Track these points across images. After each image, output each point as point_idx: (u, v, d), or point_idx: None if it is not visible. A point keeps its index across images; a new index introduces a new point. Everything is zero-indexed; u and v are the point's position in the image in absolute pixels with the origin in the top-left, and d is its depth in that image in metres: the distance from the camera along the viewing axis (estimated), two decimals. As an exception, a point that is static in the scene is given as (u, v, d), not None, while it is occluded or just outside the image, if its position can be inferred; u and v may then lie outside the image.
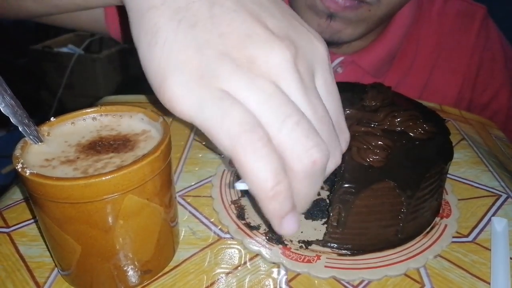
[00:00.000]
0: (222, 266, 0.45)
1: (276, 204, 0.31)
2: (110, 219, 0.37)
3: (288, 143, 0.29)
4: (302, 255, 0.45)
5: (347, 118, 0.53)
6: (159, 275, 0.44)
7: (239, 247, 0.48)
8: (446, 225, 0.50)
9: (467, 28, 0.86)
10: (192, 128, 0.72)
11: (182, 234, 0.49)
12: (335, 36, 0.74)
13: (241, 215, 0.51)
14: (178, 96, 0.30)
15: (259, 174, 0.29)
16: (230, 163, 0.61)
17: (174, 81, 0.30)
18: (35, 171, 0.35)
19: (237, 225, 0.49)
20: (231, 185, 0.54)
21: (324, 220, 0.51)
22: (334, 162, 0.33)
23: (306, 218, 0.52)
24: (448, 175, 0.54)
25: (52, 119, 0.43)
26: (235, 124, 0.28)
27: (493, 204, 0.55)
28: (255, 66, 0.29)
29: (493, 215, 0.53)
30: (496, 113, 0.89)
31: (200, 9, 0.30)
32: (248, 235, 0.48)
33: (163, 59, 0.30)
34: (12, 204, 0.54)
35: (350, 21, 0.71)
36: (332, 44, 0.77)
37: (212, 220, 0.52)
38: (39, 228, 0.49)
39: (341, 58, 0.83)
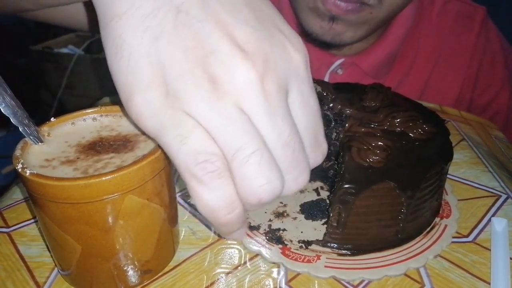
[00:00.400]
0: (222, 266, 0.45)
1: (227, 228, 0.32)
2: (110, 219, 0.37)
3: (238, 176, 0.29)
4: (302, 255, 0.45)
5: (350, 118, 0.53)
6: (159, 275, 0.44)
7: (239, 247, 0.48)
8: (446, 225, 0.50)
9: (467, 29, 0.86)
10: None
11: (182, 234, 0.49)
12: (337, 38, 0.74)
13: (241, 215, 0.51)
14: (142, 115, 0.30)
15: (211, 204, 0.29)
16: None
17: (139, 100, 0.29)
18: (35, 171, 0.35)
19: (237, 225, 0.49)
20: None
21: (324, 220, 0.51)
22: (297, 185, 0.32)
23: (306, 218, 0.52)
24: (448, 176, 0.54)
25: (52, 119, 0.43)
26: (191, 153, 0.28)
27: (493, 204, 0.55)
28: (218, 86, 0.28)
29: (493, 215, 0.53)
30: (496, 114, 0.90)
31: (166, 17, 0.28)
32: (248, 235, 0.48)
33: (129, 74, 0.29)
34: (12, 204, 0.54)
35: (352, 23, 0.71)
36: (333, 46, 0.77)
37: (212, 220, 0.52)
38: (39, 228, 0.49)
39: (341, 60, 0.83)
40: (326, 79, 0.85)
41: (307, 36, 0.76)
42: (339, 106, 0.54)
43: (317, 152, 0.34)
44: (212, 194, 0.29)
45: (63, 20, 0.73)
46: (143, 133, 0.43)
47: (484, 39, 0.86)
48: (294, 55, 0.31)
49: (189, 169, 0.29)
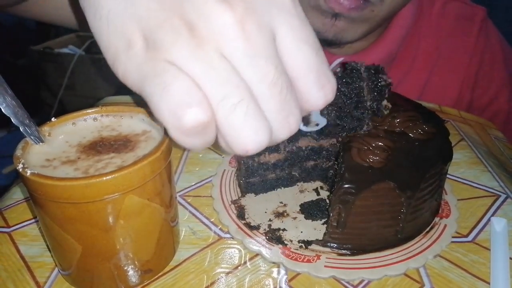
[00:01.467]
0: (222, 266, 0.45)
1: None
2: (110, 219, 0.37)
3: (224, 126, 0.28)
4: (302, 255, 0.46)
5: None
6: (159, 274, 0.44)
7: (239, 247, 0.48)
8: (445, 225, 0.50)
9: (466, 30, 0.86)
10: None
11: (182, 234, 0.49)
12: (339, 35, 0.74)
13: (241, 215, 0.51)
14: (127, 71, 0.29)
15: (192, 146, 0.30)
16: (230, 162, 0.61)
17: (122, 58, 0.29)
18: (36, 171, 0.35)
19: (237, 225, 0.49)
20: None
21: (324, 220, 0.51)
22: (288, 126, 0.31)
23: (306, 218, 0.52)
24: (447, 176, 0.54)
25: (53, 119, 0.43)
26: (174, 102, 0.27)
27: (492, 204, 0.55)
28: (196, 33, 0.27)
29: (492, 215, 0.53)
30: (496, 114, 0.90)
31: None
32: (248, 235, 0.48)
33: (111, 34, 0.29)
34: (13, 204, 0.54)
35: (354, 20, 0.72)
36: (335, 44, 0.77)
37: (212, 220, 0.52)
38: (39, 228, 0.49)
39: (341, 59, 0.83)
40: None
41: None
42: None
43: (326, 88, 0.32)
44: (195, 141, 0.29)
45: (50, 14, 0.73)
46: (144, 133, 0.43)
47: (484, 40, 0.86)
48: None
49: (172, 120, 0.27)
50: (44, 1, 0.69)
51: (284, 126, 0.31)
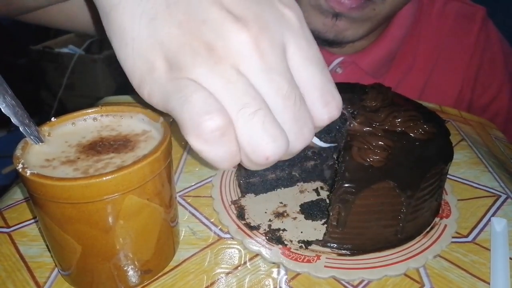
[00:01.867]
0: (222, 266, 0.45)
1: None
2: (110, 219, 0.37)
3: (243, 135, 0.30)
4: (302, 255, 0.45)
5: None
6: (159, 275, 0.44)
7: (239, 247, 0.48)
8: (445, 225, 0.50)
9: (467, 29, 0.86)
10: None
11: (182, 234, 0.49)
12: (339, 35, 0.74)
13: (241, 215, 0.51)
14: (152, 93, 0.32)
15: (215, 158, 0.31)
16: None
17: (148, 80, 0.31)
18: (35, 171, 0.35)
19: (237, 225, 0.49)
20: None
21: (324, 220, 0.51)
22: (303, 137, 0.33)
23: (306, 218, 0.52)
24: (448, 176, 0.54)
25: (52, 119, 0.43)
26: (194, 110, 0.29)
27: (493, 204, 0.55)
28: (214, 52, 0.29)
29: (493, 215, 0.53)
30: (497, 114, 0.90)
31: None
32: (248, 235, 0.48)
33: (136, 59, 0.32)
34: (13, 204, 0.54)
35: (355, 20, 0.72)
36: (336, 43, 0.77)
37: (212, 220, 0.52)
38: (39, 228, 0.49)
39: (340, 59, 0.83)
40: None
41: None
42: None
43: (331, 105, 0.34)
44: (215, 151, 0.30)
45: (64, 21, 0.73)
46: (144, 133, 0.43)
47: (484, 40, 0.86)
48: (285, 12, 0.32)
49: (193, 128, 0.29)
50: (56, 10, 0.70)
51: (299, 137, 0.32)
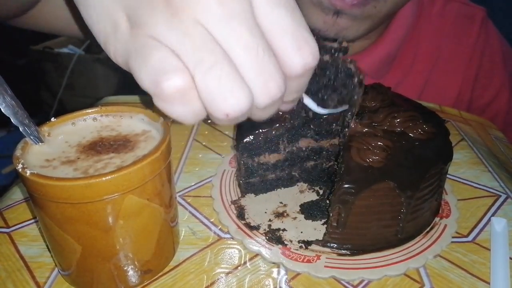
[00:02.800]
0: (222, 266, 0.45)
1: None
2: (110, 219, 0.37)
3: (201, 92, 0.29)
4: (302, 255, 0.45)
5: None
6: (159, 275, 0.44)
7: (239, 247, 0.48)
8: (445, 225, 0.50)
9: (466, 30, 0.86)
10: (192, 128, 0.72)
11: (182, 234, 0.49)
12: (340, 33, 0.73)
13: (241, 215, 0.51)
14: (116, 51, 0.32)
15: (179, 116, 0.30)
16: (230, 162, 0.61)
17: (112, 40, 0.31)
18: (35, 172, 0.35)
19: (237, 225, 0.49)
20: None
21: (324, 220, 0.51)
22: (268, 92, 0.30)
23: (306, 218, 0.52)
24: (447, 176, 0.54)
25: (52, 119, 0.43)
26: (152, 72, 0.28)
27: (493, 204, 0.55)
28: (172, 3, 0.28)
29: (493, 215, 0.53)
30: (496, 115, 0.90)
31: None
32: (248, 235, 0.48)
33: (100, 19, 0.32)
34: (13, 204, 0.54)
35: (356, 18, 0.71)
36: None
37: (212, 220, 0.52)
38: (39, 228, 0.49)
39: None
40: None
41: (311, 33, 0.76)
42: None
43: (304, 51, 0.31)
44: (179, 109, 0.30)
45: (45, 24, 0.73)
46: (143, 133, 0.43)
47: (484, 40, 0.86)
48: None
49: (153, 88, 0.29)
50: (43, 13, 0.70)
51: (264, 92, 0.30)
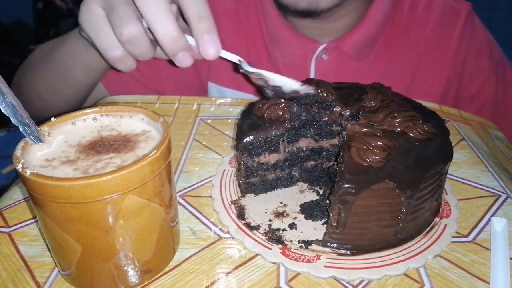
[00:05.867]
0: (222, 266, 0.45)
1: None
2: (110, 219, 0.37)
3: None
4: (302, 255, 0.45)
5: (348, 119, 0.53)
6: (159, 274, 0.44)
7: (239, 247, 0.48)
8: (445, 225, 0.50)
9: (452, 22, 0.90)
10: (192, 128, 0.72)
11: (182, 234, 0.49)
12: (313, 4, 0.75)
13: (241, 215, 0.51)
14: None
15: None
16: (230, 162, 0.61)
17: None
18: (35, 171, 0.35)
19: (237, 225, 0.49)
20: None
21: (324, 220, 0.51)
22: (160, 30, 0.49)
23: (306, 218, 0.52)
24: (447, 175, 0.54)
25: (52, 119, 0.43)
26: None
27: (493, 204, 0.55)
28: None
29: (493, 215, 0.53)
30: (484, 104, 0.92)
31: None
32: (248, 235, 0.48)
33: (97, 32, 0.54)
34: (13, 204, 0.54)
35: None
36: (311, 14, 0.78)
37: (212, 220, 0.52)
38: (39, 228, 0.49)
39: (324, 45, 0.85)
40: (312, 65, 0.87)
41: (284, 9, 0.80)
42: (339, 108, 0.54)
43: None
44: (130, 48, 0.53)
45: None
46: (143, 133, 0.43)
47: (470, 31, 0.90)
48: None
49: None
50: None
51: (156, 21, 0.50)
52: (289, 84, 0.52)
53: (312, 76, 0.87)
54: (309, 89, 0.53)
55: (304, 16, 0.79)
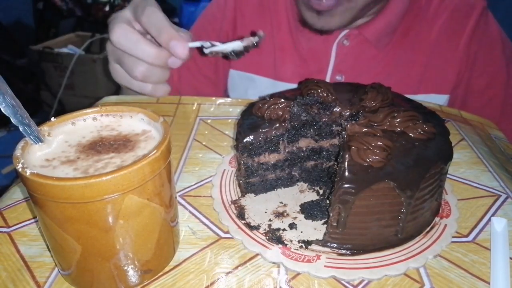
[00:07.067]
0: (222, 266, 0.45)
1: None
2: (110, 219, 0.37)
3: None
4: (302, 255, 0.45)
5: (347, 119, 0.53)
6: (159, 274, 0.44)
7: (239, 247, 0.48)
8: (446, 225, 0.50)
9: (468, 14, 0.91)
10: (192, 128, 0.72)
11: (182, 234, 0.49)
12: (326, 26, 0.85)
13: (241, 215, 0.51)
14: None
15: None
16: (230, 162, 0.61)
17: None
18: (35, 171, 0.35)
19: (237, 225, 0.49)
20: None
21: (324, 220, 0.51)
22: (145, 55, 0.64)
23: (306, 218, 0.52)
24: (448, 175, 0.54)
25: (52, 119, 0.43)
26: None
27: (493, 204, 0.55)
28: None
29: (493, 215, 0.53)
30: (492, 99, 0.94)
31: None
32: (248, 235, 0.48)
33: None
34: (13, 204, 0.54)
35: (335, 14, 0.82)
36: (324, 32, 0.88)
37: (212, 220, 0.52)
38: (39, 228, 0.49)
39: (346, 31, 0.91)
40: (334, 49, 0.93)
41: (305, 24, 0.89)
42: (339, 109, 0.54)
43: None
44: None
45: None
46: (143, 133, 0.43)
47: (483, 26, 0.91)
48: None
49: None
50: None
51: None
52: (234, 45, 0.61)
53: (332, 60, 0.94)
54: (249, 40, 0.61)
55: (320, 33, 0.89)
